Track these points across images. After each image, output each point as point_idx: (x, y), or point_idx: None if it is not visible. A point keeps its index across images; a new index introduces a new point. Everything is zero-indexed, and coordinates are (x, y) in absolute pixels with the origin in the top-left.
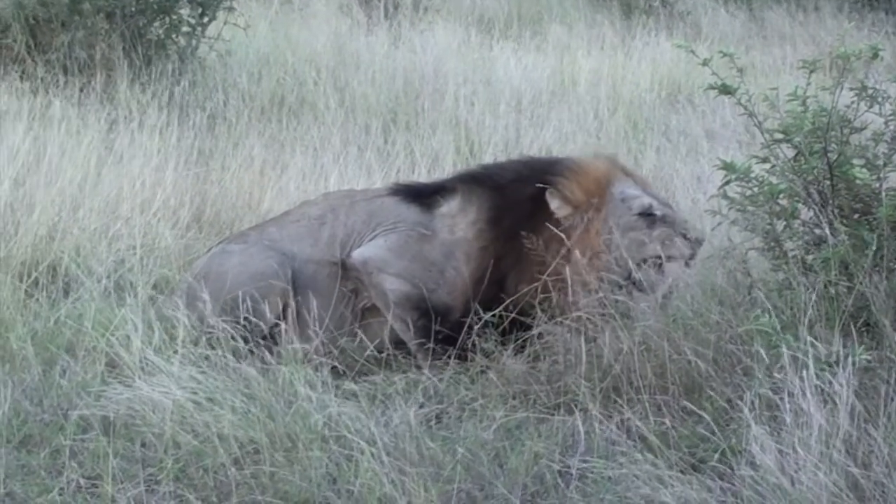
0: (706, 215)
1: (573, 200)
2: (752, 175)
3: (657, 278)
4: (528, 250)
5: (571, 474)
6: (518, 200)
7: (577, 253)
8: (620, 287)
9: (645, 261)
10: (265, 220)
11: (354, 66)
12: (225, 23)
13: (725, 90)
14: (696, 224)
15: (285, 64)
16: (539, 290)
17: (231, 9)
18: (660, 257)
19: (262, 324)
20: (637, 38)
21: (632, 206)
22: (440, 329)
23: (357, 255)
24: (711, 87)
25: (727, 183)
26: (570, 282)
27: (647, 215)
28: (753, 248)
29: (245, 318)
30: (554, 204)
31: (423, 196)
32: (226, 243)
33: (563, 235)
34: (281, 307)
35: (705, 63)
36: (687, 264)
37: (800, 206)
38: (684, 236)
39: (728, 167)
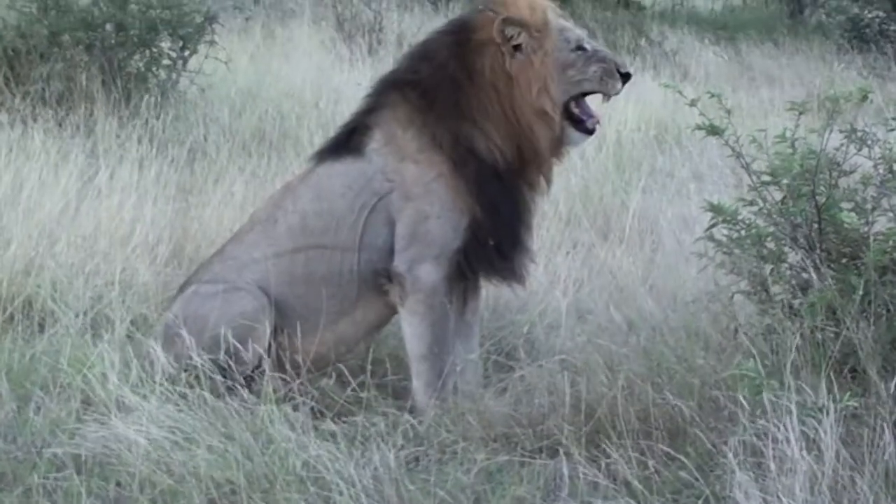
0: (692, 258)
1: (523, 21)
2: (740, 218)
3: (591, 115)
4: (481, 108)
5: None
6: (443, 69)
7: (529, 88)
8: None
9: (581, 96)
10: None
11: (336, 99)
12: (206, 56)
13: (713, 131)
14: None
15: (267, 98)
16: (512, 141)
17: (212, 42)
18: (595, 93)
19: (243, 367)
20: None
21: (569, 39)
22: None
23: (403, 266)
24: (699, 128)
25: (714, 225)
26: (530, 122)
27: (581, 49)
28: (739, 291)
29: (226, 362)
30: (503, 30)
31: (345, 141)
32: (197, 284)
33: (509, 74)
34: (264, 348)
35: (693, 103)
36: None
37: (787, 249)
38: (618, 70)
39: (715, 209)
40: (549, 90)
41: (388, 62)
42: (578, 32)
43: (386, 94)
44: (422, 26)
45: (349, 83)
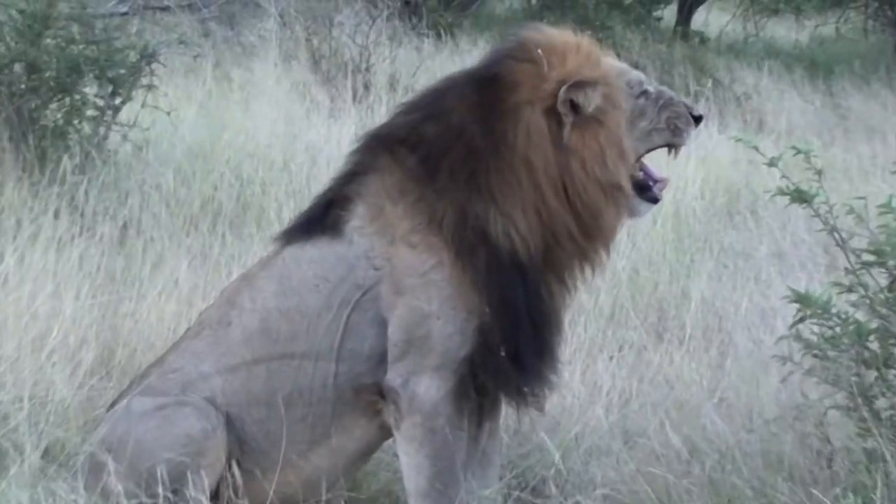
0: (773, 362)
1: (594, 79)
2: (834, 310)
3: (656, 177)
4: (506, 187)
5: None
6: (458, 134)
7: (601, 160)
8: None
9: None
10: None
11: (311, 160)
12: (143, 105)
13: (799, 198)
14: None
15: (222, 159)
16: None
17: (151, 87)
18: (669, 146)
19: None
20: None
21: (631, 83)
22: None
23: (395, 381)
24: (781, 194)
25: (801, 320)
26: (597, 204)
27: (646, 93)
28: (835, 406)
29: (167, 501)
30: (571, 98)
31: (320, 217)
32: (130, 398)
33: (564, 146)
34: (214, 481)
35: (772, 163)
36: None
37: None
38: (691, 113)
39: (802, 299)
40: (626, 156)
41: (378, 112)
42: (636, 72)
43: (374, 156)
44: (420, 65)
45: (329, 139)
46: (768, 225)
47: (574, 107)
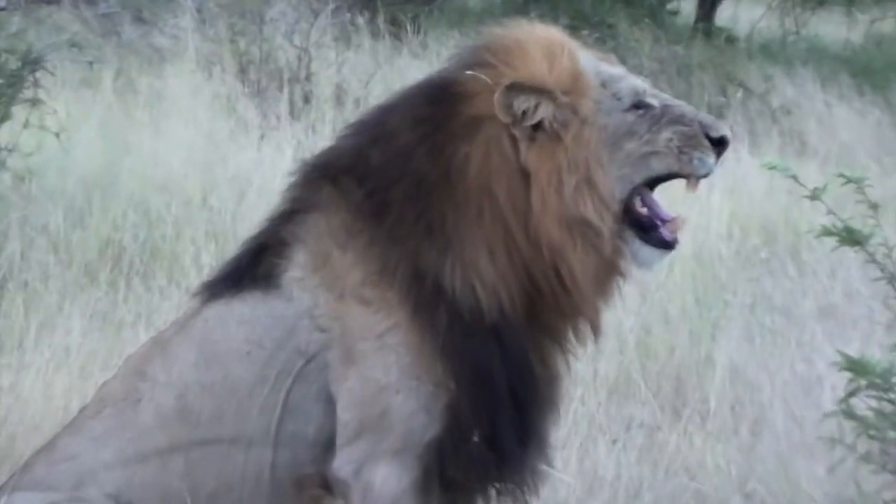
0: (819, 445)
1: (541, 84)
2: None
3: (665, 216)
4: (463, 225)
5: None
6: (406, 159)
7: (558, 187)
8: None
9: (650, 184)
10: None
11: (239, 193)
12: (25, 125)
13: (850, 238)
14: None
15: (125, 193)
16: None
17: (36, 101)
18: (679, 177)
19: None
20: None
21: (620, 93)
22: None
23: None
24: (828, 234)
25: (854, 393)
26: (558, 243)
27: (641, 106)
28: None
29: None
30: (510, 104)
31: (251, 266)
32: (9, 495)
33: (522, 169)
34: None
35: (816, 195)
36: (706, 175)
37: None
38: (707, 135)
39: (855, 366)
40: (596, 183)
41: (322, 133)
42: (634, 80)
43: (316, 189)
44: (374, 72)
45: (260, 167)
46: (813, 272)
47: (526, 121)
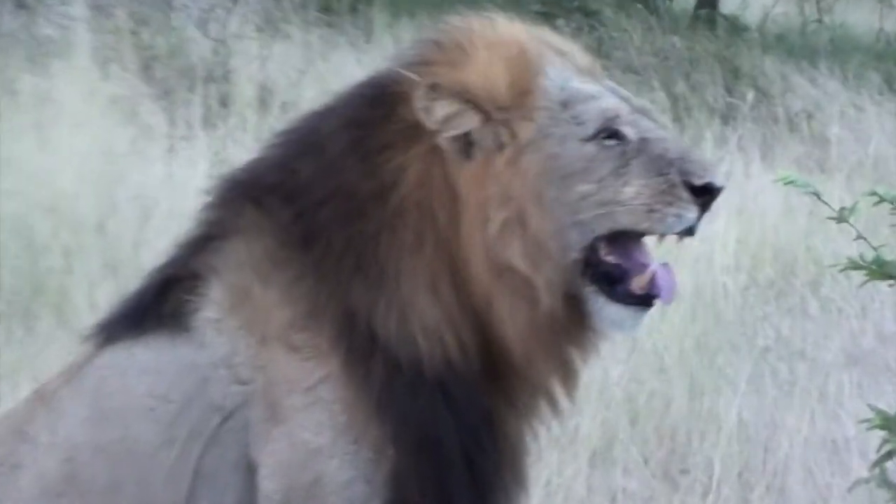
0: None
1: (471, 95)
2: None
3: (641, 262)
4: (396, 256)
5: None
6: (335, 173)
7: (483, 220)
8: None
9: (614, 237)
10: None
11: (142, 216)
12: None
13: (883, 271)
14: (703, 155)
15: (3, 215)
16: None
17: None
18: (644, 233)
19: None
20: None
21: (581, 116)
22: None
23: None
24: (856, 267)
25: (888, 456)
26: (486, 289)
27: (612, 136)
28: None
29: None
30: (427, 106)
31: (155, 305)
32: None
33: (454, 190)
34: None
35: (843, 216)
36: (689, 232)
37: None
38: (687, 184)
39: (890, 424)
40: (528, 224)
41: (243, 142)
42: (609, 101)
43: (235, 211)
44: (306, 69)
45: (168, 184)
46: (838, 310)
47: (453, 129)
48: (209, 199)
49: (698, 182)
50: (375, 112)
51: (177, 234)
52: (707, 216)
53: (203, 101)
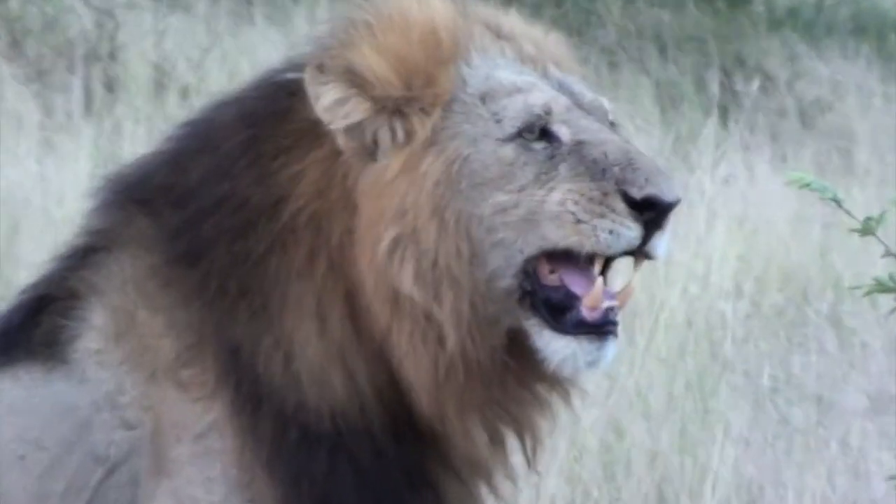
0: None
1: (358, 78)
2: None
3: (582, 283)
4: (284, 281)
5: None
6: (225, 178)
7: (377, 235)
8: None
9: (554, 258)
10: None
11: (10, 224)
12: None
13: None
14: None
15: None
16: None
17: None
18: (573, 252)
19: None
20: (704, 162)
21: (500, 114)
22: None
23: None
24: (883, 289)
25: None
26: (383, 321)
27: (541, 138)
28: None
29: None
30: (319, 94)
31: (25, 332)
32: None
33: (352, 201)
34: None
35: (867, 227)
36: (643, 252)
37: None
38: (623, 194)
39: None
40: (422, 242)
41: (136, 135)
42: (541, 95)
43: (123, 219)
44: (211, 46)
45: (41, 185)
46: (861, 345)
47: (348, 122)
48: (92, 203)
49: (637, 194)
50: (273, 107)
51: (52, 246)
52: (663, 237)
53: (84, 84)
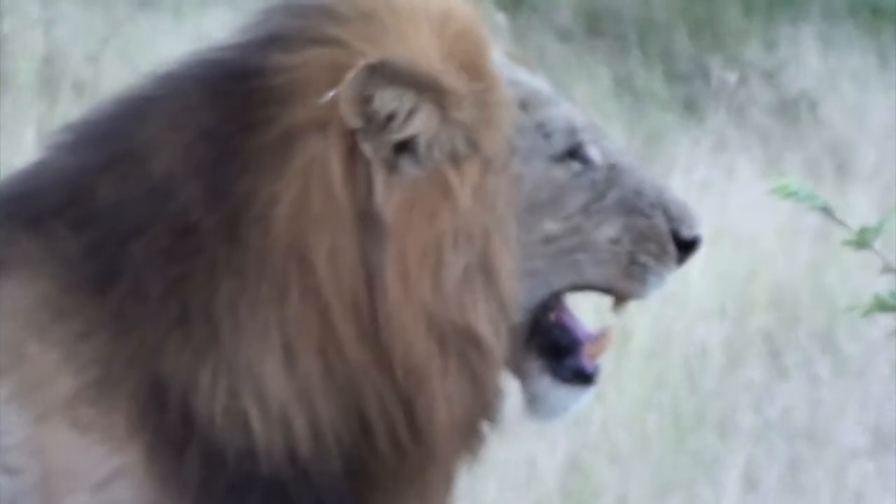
0: None
1: (421, 75)
2: None
3: (581, 334)
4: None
5: None
6: (156, 186)
7: (436, 265)
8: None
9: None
10: None
11: None
12: None
13: None
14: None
15: None
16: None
17: None
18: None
19: None
20: (677, 165)
21: (546, 127)
22: None
23: None
24: (884, 307)
25: None
26: (421, 361)
27: (577, 159)
28: None
29: None
30: (363, 91)
31: None
32: None
33: (377, 216)
34: None
35: (863, 239)
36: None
37: None
38: (675, 234)
39: None
40: (497, 273)
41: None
42: (567, 108)
43: (6, 239)
44: (110, 36)
45: None
46: (858, 373)
47: (390, 134)
48: None
49: (687, 234)
50: (234, 115)
51: None
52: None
53: None
